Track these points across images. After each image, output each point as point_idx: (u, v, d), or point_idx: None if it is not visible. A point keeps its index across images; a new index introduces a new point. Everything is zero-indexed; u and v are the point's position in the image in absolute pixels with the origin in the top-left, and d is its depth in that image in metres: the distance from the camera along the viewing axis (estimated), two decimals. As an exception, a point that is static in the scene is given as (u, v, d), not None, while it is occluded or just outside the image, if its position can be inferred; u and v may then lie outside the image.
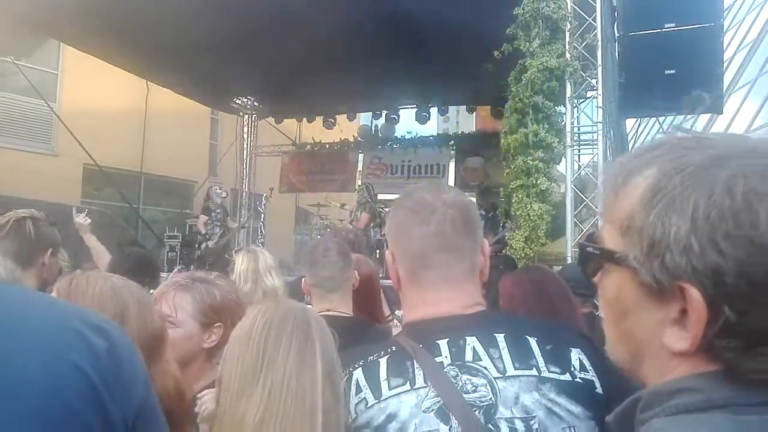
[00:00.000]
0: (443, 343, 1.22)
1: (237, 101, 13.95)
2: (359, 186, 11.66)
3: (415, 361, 1.21)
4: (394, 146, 13.49)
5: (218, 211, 11.09)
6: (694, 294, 0.60)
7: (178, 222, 13.16)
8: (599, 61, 6.64)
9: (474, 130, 14.71)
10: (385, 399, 1.20)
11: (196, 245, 12.87)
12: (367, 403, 1.21)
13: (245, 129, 14.46)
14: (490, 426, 1.12)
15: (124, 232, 11.91)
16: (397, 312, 3.28)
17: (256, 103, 14.08)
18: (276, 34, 9.87)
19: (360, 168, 14.08)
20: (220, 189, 11.24)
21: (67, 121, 11.25)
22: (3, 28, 10.01)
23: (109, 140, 11.93)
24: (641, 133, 17.04)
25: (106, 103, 12.60)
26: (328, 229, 11.56)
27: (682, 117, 12.82)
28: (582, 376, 1.19)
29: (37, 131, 12.70)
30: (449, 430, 1.13)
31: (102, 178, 11.90)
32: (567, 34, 6.61)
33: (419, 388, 1.19)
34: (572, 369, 1.19)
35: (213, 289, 2.03)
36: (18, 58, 11.13)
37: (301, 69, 11.20)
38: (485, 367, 1.18)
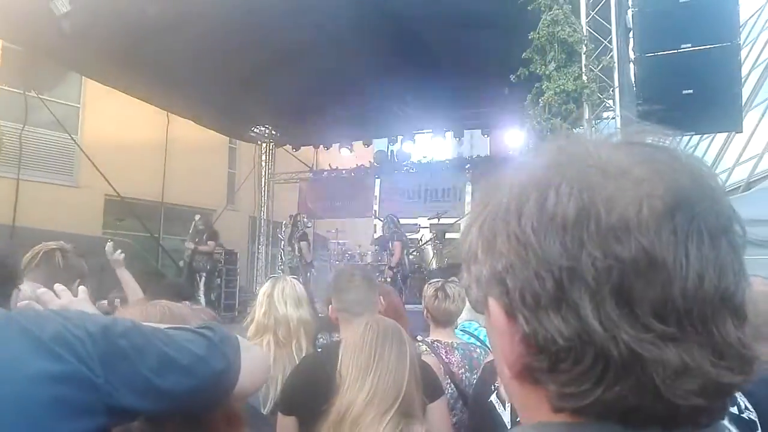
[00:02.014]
0: None
1: (255, 130, 14.14)
2: (384, 218, 11.77)
3: None
4: (411, 171, 13.55)
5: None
6: (492, 304, 0.57)
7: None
8: (616, 83, 6.65)
9: (488, 152, 14.74)
10: None
11: (215, 273, 12.99)
12: None
13: (263, 157, 14.64)
14: None
15: (146, 262, 12.00)
16: (419, 337, 3.27)
17: (273, 132, 14.28)
18: (292, 64, 10.02)
19: (377, 193, 14.14)
20: (307, 219, 11.48)
21: (89, 153, 11.46)
22: (29, 63, 10.29)
23: (130, 171, 12.10)
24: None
25: (128, 135, 12.80)
26: (347, 254, 11.59)
27: (703, 136, 12.79)
28: (747, 415, 1.20)
29: (58, 163, 12.92)
30: None
31: (123, 208, 12.05)
32: (583, 57, 6.64)
33: None
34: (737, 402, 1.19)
35: (204, 315, 2.19)
36: (42, 92, 11.39)
37: (317, 97, 11.35)
38: None
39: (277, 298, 2.92)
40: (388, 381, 1.76)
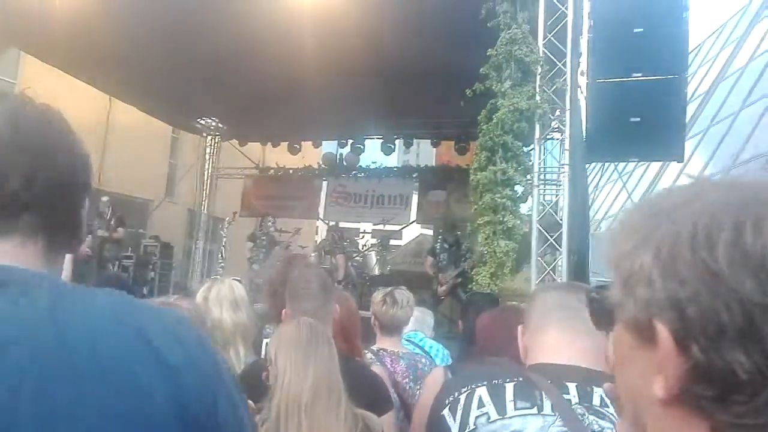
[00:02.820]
0: (572, 386, 1.31)
1: (200, 122, 13.78)
2: (328, 228, 11.73)
3: (543, 392, 1.29)
4: (359, 175, 13.53)
5: (263, 238, 11.44)
6: (661, 329, 0.56)
7: (132, 242, 12.79)
8: (567, 105, 6.82)
9: (434, 163, 14.91)
10: (509, 417, 1.28)
11: (150, 266, 12.60)
12: (489, 417, 1.30)
13: (207, 150, 14.29)
14: None
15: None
16: (373, 347, 3.24)
17: (220, 125, 13.95)
18: (243, 58, 9.83)
19: (323, 195, 14.04)
20: (272, 221, 11.71)
21: (23, 132, 10.89)
22: (-37, 34, 9.71)
23: (65, 154, 11.58)
24: (601, 178, 17.58)
25: (66, 117, 12.25)
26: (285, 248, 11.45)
27: (638, 163, 13.33)
28: None
29: (-11, 141, 12.25)
30: None
31: (56, 192, 11.50)
32: (538, 77, 6.79)
33: (546, 414, 1.27)
34: None
35: (174, 310, 2.11)
36: (-25, 64, 10.80)
37: (267, 93, 11.17)
38: (612, 414, 1.25)
39: (212, 301, 2.82)
40: (326, 373, 1.85)
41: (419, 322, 4.03)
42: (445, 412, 1.40)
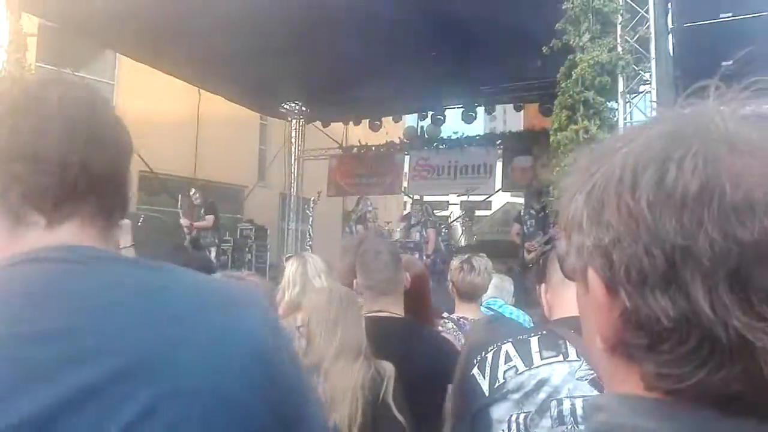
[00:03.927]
0: None
1: (285, 106, 14.16)
2: (414, 202, 11.70)
3: (567, 341, 1.33)
4: (441, 147, 13.44)
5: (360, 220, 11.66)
6: (592, 276, 0.55)
7: (229, 226, 13.39)
8: (652, 54, 6.43)
9: (522, 128, 14.53)
10: (536, 367, 1.33)
11: (246, 249, 13.17)
12: (517, 370, 1.35)
13: (293, 133, 14.67)
14: None
15: (175, 236, 12.17)
16: (444, 314, 3.24)
17: (303, 108, 14.28)
18: (321, 38, 9.96)
19: (406, 170, 14.08)
20: (370, 203, 11.77)
21: (123, 130, 11.61)
22: (63, 41, 10.44)
23: (162, 148, 12.22)
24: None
25: (160, 112, 12.94)
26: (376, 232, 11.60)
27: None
28: None
29: (92, 140, 13.14)
30: None
31: (157, 184, 12.23)
32: (618, 27, 6.44)
33: (572, 360, 1.31)
34: None
35: (244, 284, 2.32)
36: (77, 69, 11.55)
37: (346, 72, 11.29)
38: None
39: (311, 275, 2.94)
40: (352, 334, 2.03)
41: (498, 289, 3.98)
42: (475, 371, 1.45)
